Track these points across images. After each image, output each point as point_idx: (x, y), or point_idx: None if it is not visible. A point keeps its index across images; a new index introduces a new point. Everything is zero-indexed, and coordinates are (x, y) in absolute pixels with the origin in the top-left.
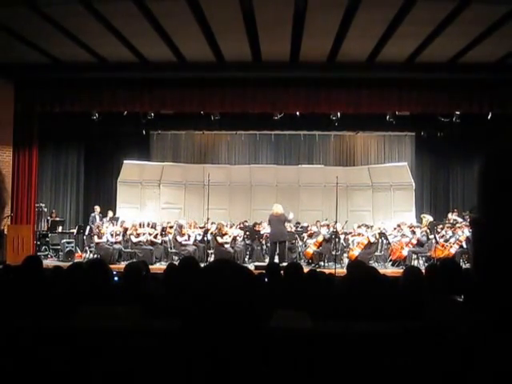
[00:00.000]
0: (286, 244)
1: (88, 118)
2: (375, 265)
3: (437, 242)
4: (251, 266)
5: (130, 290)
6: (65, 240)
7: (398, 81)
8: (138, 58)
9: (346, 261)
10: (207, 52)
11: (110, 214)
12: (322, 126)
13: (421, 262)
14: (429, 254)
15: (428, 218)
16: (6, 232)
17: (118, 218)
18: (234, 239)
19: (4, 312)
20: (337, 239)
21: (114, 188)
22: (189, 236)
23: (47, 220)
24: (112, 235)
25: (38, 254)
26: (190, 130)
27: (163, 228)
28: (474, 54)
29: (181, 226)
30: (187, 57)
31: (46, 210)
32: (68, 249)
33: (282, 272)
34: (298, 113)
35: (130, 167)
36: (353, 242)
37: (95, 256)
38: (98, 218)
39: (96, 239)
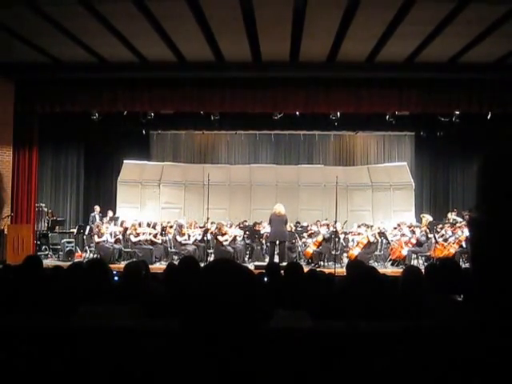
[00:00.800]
0: (285, 244)
1: (88, 117)
2: (375, 264)
3: (436, 242)
4: (251, 266)
5: (129, 290)
6: (65, 240)
7: (397, 81)
8: (137, 57)
9: (345, 260)
10: (207, 52)
11: (110, 213)
12: (321, 126)
13: (420, 261)
14: (428, 253)
15: (428, 218)
16: (6, 232)
17: (117, 218)
18: (234, 239)
19: (4, 312)
20: (336, 239)
21: (114, 188)
22: (189, 236)
23: (47, 220)
24: (111, 235)
25: (38, 253)
26: (190, 130)
27: (163, 228)
28: (474, 54)
29: (181, 226)
30: (187, 57)
31: (46, 209)
32: (68, 248)
33: (281, 272)
34: (297, 113)
35: (130, 167)
36: (353, 241)
37: (95, 256)
38: (97, 217)
39: (96, 239)
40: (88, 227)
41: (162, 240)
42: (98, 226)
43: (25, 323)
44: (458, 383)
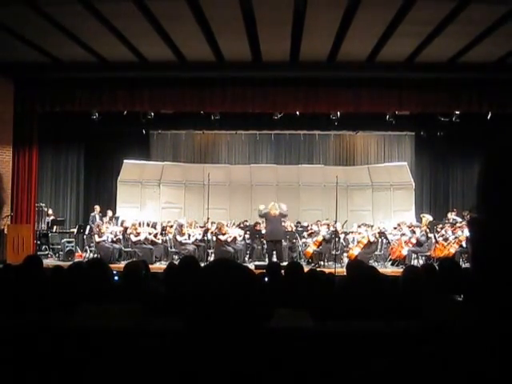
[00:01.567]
0: (282, 243)
1: (88, 117)
2: (375, 264)
3: (436, 242)
4: (251, 266)
5: (130, 290)
6: (65, 239)
7: (397, 80)
8: (137, 57)
9: (345, 260)
10: (207, 52)
11: (110, 213)
12: (321, 126)
13: (420, 261)
14: (428, 253)
15: (428, 218)
16: (6, 231)
17: (118, 218)
18: (234, 239)
19: (4, 311)
20: (337, 239)
21: (114, 187)
22: (189, 235)
23: (47, 220)
24: (112, 234)
25: (38, 253)
26: (190, 130)
27: (163, 227)
28: (474, 54)
29: (181, 226)
30: (187, 56)
31: (46, 209)
32: (68, 248)
33: (282, 271)
34: (297, 112)
35: (130, 167)
36: (353, 241)
37: (95, 255)
38: (97, 217)
39: (96, 239)
40: (88, 227)
41: (162, 240)
42: (98, 226)
43: (25, 323)
44: (457, 383)
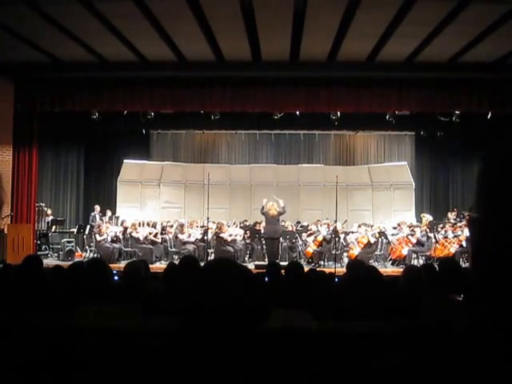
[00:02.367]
0: (279, 242)
1: (88, 117)
2: (375, 264)
3: (436, 242)
4: (251, 266)
5: (130, 290)
6: (65, 239)
7: (397, 80)
8: (137, 57)
9: (345, 260)
10: (207, 51)
11: (109, 213)
12: (321, 126)
13: (421, 261)
14: (429, 253)
15: (428, 218)
16: (6, 231)
17: (117, 217)
18: (235, 238)
19: (4, 311)
20: (337, 238)
21: (114, 187)
22: (189, 235)
23: (47, 219)
24: (112, 233)
25: (39, 253)
26: (190, 130)
27: (163, 227)
28: (474, 54)
29: (182, 225)
30: (187, 56)
31: (46, 209)
32: (68, 248)
33: (282, 271)
34: (297, 112)
35: (130, 166)
36: (353, 242)
37: (95, 255)
38: (97, 217)
39: (97, 238)
40: (88, 227)
41: (163, 239)
42: (98, 226)
43: (25, 323)
44: (457, 383)
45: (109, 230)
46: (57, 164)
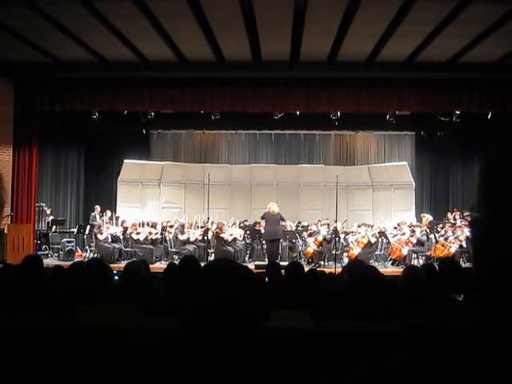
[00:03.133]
0: (279, 243)
1: (88, 117)
2: (375, 264)
3: (437, 242)
4: (251, 266)
5: (130, 290)
6: (65, 239)
7: (398, 80)
8: (138, 57)
9: (346, 260)
10: (207, 51)
11: (109, 213)
12: (322, 126)
13: (421, 261)
14: (429, 253)
15: (428, 218)
16: (6, 231)
17: (118, 217)
18: (235, 239)
19: (4, 311)
20: (337, 238)
21: (115, 187)
22: (189, 235)
23: (47, 219)
24: (112, 233)
25: (39, 253)
26: (190, 130)
27: (163, 227)
28: (474, 54)
29: (182, 225)
30: (187, 56)
31: (46, 209)
32: (68, 248)
33: (282, 271)
34: (298, 112)
35: (131, 166)
36: (352, 242)
37: (95, 255)
38: (98, 217)
39: (98, 238)
40: (88, 227)
41: (163, 239)
42: (99, 226)
43: (25, 323)
44: (457, 383)
45: (109, 230)
46: (57, 164)
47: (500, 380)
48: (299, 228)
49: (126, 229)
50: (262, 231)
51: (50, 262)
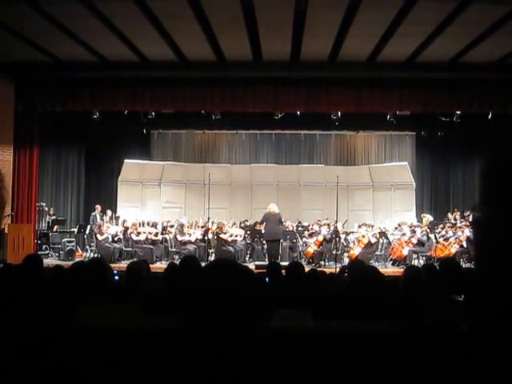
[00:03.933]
0: (279, 243)
1: (89, 117)
2: (376, 264)
3: (437, 242)
4: (252, 266)
5: (130, 290)
6: (65, 239)
7: (398, 80)
8: (138, 57)
9: (346, 260)
10: (208, 51)
11: (109, 213)
12: (322, 126)
13: (421, 261)
14: (429, 253)
15: (428, 218)
16: (6, 231)
17: (118, 217)
18: (235, 239)
19: (4, 311)
20: (337, 238)
21: (115, 187)
22: (190, 235)
23: (48, 219)
24: (112, 233)
25: (39, 253)
26: (191, 130)
27: (164, 227)
28: (475, 54)
29: (182, 226)
30: (188, 56)
31: (46, 209)
32: (69, 248)
33: (283, 271)
34: (298, 112)
35: (131, 166)
36: (354, 242)
37: (96, 255)
38: (98, 217)
39: (98, 238)
40: (89, 226)
41: (163, 239)
42: (99, 226)
43: (25, 323)
44: (457, 383)
45: (109, 230)
46: (57, 164)
47: (500, 380)
48: (299, 228)
49: (126, 229)
50: (263, 231)
51: (50, 261)
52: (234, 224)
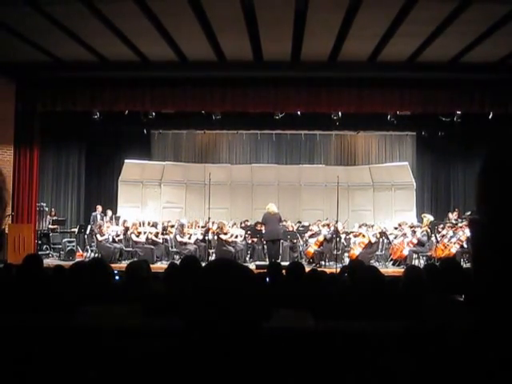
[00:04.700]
0: (280, 243)
1: (89, 117)
2: (376, 264)
3: (437, 242)
4: (252, 266)
5: (131, 290)
6: (66, 239)
7: (399, 80)
8: (139, 57)
9: (346, 260)
10: (208, 51)
11: (109, 213)
12: (323, 126)
13: (422, 261)
14: (429, 253)
15: (429, 218)
16: (6, 231)
17: (119, 217)
18: (236, 238)
19: (4, 311)
20: (338, 239)
21: (115, 187)
22: (190, 235)
23: (48, 219)
24: (113, 233)
25: (40, 253)
26: (191, 130)
27: (164, 227)
28: (475, 54)
29: (182, 226)
30: (188, 56)
31: (47, 209)
32: (69, 248)
33: (283, 271)
34: (299, 112)
35: (131, 166)
36: (354, 242)
37: (96, 255)
38: (99, 217)
39: (99, 238)
40: (89, 227)
41: (163, 239)
42: (99, 226)
43: (26, 323)
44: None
45: (109, 230)
46: (58, 164)
47: (501, 379)
48: (300, 228)
49: (127, 229)
50: (263, 231)
51: (50, 261)
52: (235, 224)
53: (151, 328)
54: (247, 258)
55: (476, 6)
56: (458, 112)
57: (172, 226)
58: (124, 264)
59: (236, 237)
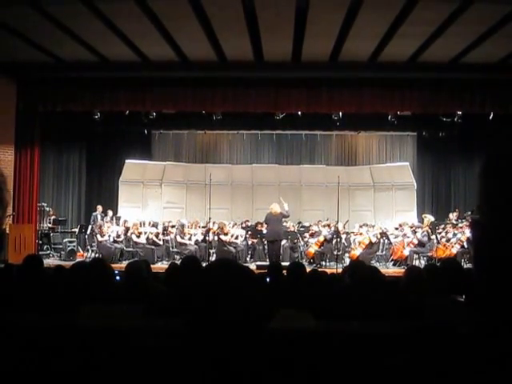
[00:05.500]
0: (280, 243)
1: (90, 117)
2: (377, 264)
3: (438, 242)
4: (253, 266)
5: (131, 290)
6: (67, 239)
7: (399, 81)
8: (140, 57)
9: (347, 260)
10: (209, 51)
11: (110, 213)
12: (323, 126)
13: (422, 261)
14: (430, 254)
15: (429, 218)
16: (7, 231)
17: (119, 218)
18: (236, 238)
19: (4, 311)
20: (338, 239)
21: (116, 187)
22: (190, 236)
23: (49, 219)
24: (113, 233)
25: (40, 253)
26: (192, 130)
27: (165, 227)
28: (476, 55)
29: (183, 226)
30: (189, 56)
31: (47, 209)
32: (70, 248)
33: (284, 272)
34: (299, 112)
35: (132, 167)
36: (354, 241)
37: (97, 255)
38: (99, 217)
39: (98, 238)
40: (90, 227)
41: (164, 240)
42: (100, 226)
43: (26, 323)
44: (460, 383)
45: (110, 230)
46: (58, 164)
47: (501, 379)
48: (300, 228)
49: (127, 229)
50: (264, 231)
51: (51, 261)
52: (235, 224)
53: (152, 328)
54: (248, 259)
55: (476, 6)
56: (459, 112)
57: (173, 227)
58: (125, 264)
59: (236, 237)
